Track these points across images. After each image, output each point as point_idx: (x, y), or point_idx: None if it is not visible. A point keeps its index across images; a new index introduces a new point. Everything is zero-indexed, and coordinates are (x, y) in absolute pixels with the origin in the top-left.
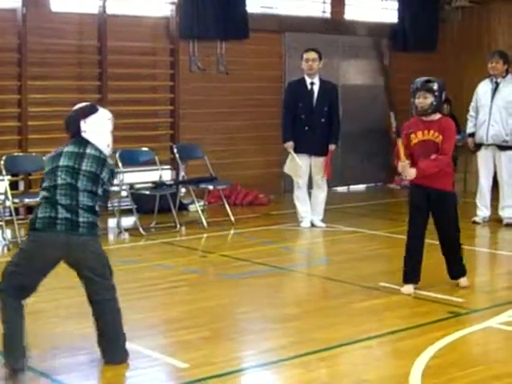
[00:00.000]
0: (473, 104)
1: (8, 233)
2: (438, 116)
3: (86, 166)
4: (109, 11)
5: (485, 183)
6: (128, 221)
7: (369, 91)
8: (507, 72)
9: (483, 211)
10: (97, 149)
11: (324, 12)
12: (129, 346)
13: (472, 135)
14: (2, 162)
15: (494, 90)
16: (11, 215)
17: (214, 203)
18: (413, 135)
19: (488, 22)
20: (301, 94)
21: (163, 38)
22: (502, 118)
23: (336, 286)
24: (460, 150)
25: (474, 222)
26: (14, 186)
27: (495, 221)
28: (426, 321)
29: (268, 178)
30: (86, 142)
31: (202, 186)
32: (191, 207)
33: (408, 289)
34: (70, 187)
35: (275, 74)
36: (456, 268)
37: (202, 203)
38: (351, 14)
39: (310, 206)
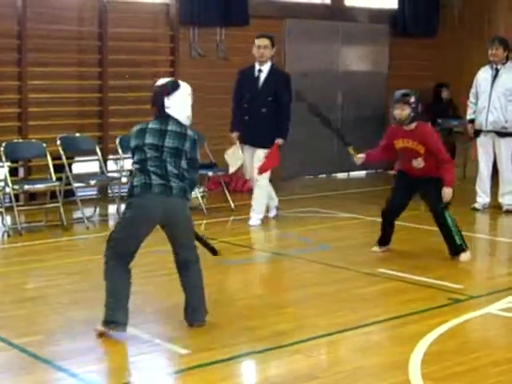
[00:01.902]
0: (473, 90)
1: (8, 219)
2: (414, 125)
3: (168, 142)
4: None
5: (484, 170)
6: None
7: (368, 78)
8: (507, 59)
9: (483, 198)
10: (178, 123)
11: None
12: (131, 331)
13: (472, 121)
14: (2, 149)
15: (494, 77)
16: (11, 202)
17: (213, 190)
18: (395, 141)
19: (489, 7)
20: (246, 82)
21: (163, 24)
22: (502, 104)
23: (335, 271)
24: (459, 136)
25: (474, 209)
26: (13, 172)
27: (495, 207)
28: (426, 307)
29: None
30: (167, 118)
31: (202, 172)
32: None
33: (376, 248)
34: (158, 160)
35: (275, 60)
36: (449, 245)
37: (201, 189)
38: (351, 0)
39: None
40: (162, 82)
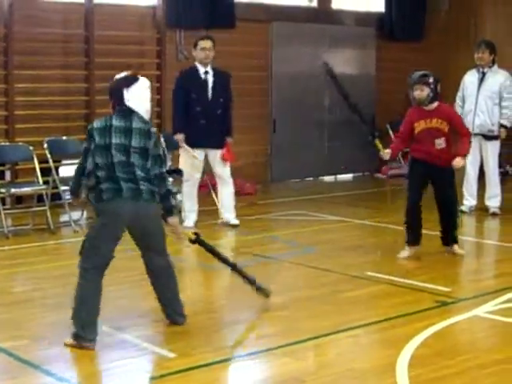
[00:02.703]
0: (459, 94)
1: None
2: (435, 104)
3: (135, 142)
4: (95, 0)
5: (471, 172)
6: None
7: (356, 80)
8: (494, 62)
9: (469, 200)
10: (141, 120)
11: (311, 1)
12: (116, 335)
13: None
14: None
15: (481, 80)
16: None
17: (201, 192)
18: (416, 124)
19: (475, 11)
20: (194, 85)
21: (150, 27)
22: (488, 107)
23: (323, 275)
24: None
25: (461, 211)
26: (0, 175)
27: (481, 210)
28: (413, 310)
29: (255, 167)
30: (130, 113)
31: None
32: (178, 196)
33: (404, 253)
34: (126, 164)
35: (262, 63)
36: (451, 234)
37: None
38: (338, 3)
39: (197, 204)
40: (120, 75)
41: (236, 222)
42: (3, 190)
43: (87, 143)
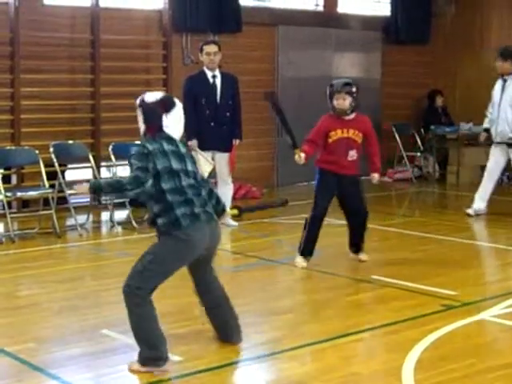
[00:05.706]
0: (491, 102)
1: (1, 226)
2: (353, 115)
3: (190, 166)
4: (102, 4)
5: (490, 178)
6: (121, 214)
7: (361, 84)
8: None
9: (478, 204)
10: (184, 145)
11: (317, 5)
12: (123, 339)
13: (487, 130)
14: None
15: (503, 88)
16: (4, 209)
17: None
18: (332, 132)
19: (481, 15)
20: (203, 89)
21: (156, 31)
22: (508, 115)
23: (328, 278)
24: (453, 142)
25: (468, 215)
26: (6, 179)
27: (489, 214)
28: (419, 314)
29: (261, 171)
30: (174, 139)
31: None
32: None
33: (301, 263)
34: (193, 187)
35: (268, 67)
36: (359, 242)
37: None
38: (344, 7)
39: None
40: (153, 96)
41: (234, 223)
42: (9, 194)
43: (147, 163)
